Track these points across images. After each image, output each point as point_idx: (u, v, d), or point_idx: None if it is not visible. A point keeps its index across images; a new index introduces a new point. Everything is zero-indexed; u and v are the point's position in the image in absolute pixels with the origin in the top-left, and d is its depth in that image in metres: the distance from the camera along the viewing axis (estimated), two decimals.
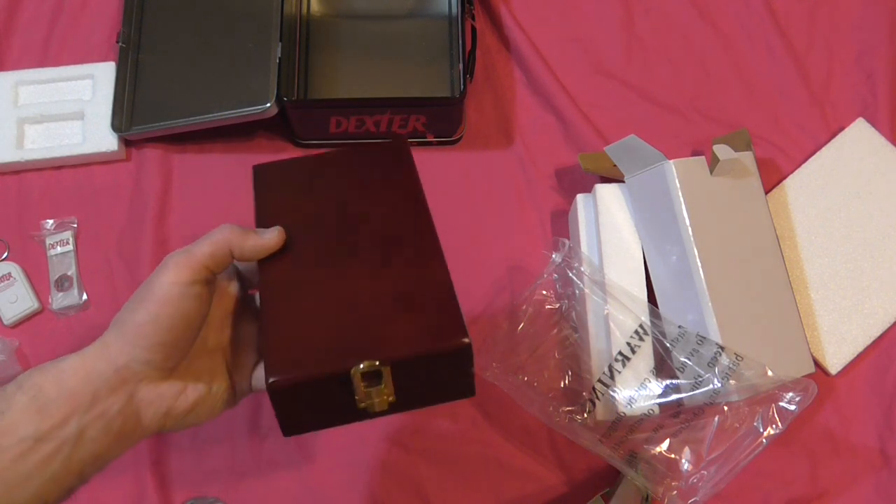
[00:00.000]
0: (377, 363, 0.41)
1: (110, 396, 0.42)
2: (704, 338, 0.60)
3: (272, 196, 0.51)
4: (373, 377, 0.42)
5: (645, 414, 0.61)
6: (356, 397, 0.42)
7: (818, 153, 0.74)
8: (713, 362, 0.59)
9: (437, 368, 0.43)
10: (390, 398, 0.43)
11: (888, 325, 0.69)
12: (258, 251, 0.46)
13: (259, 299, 0.46)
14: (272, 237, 0.47)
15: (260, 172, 0.53)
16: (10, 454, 0.39)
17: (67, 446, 0.40)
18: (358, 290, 0.45)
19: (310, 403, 0.43)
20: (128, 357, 0.42)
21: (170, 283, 0.42)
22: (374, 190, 0.51)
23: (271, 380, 0.41)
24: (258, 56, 0.75)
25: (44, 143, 0.75)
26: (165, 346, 0.43)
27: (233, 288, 0.49)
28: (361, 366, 0.41)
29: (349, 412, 0.43)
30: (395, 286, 0.45)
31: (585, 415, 0.62)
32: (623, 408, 0.61)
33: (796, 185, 0.73)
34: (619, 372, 0.61)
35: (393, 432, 0.67)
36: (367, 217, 0.49)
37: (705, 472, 0.59)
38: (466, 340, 0.42)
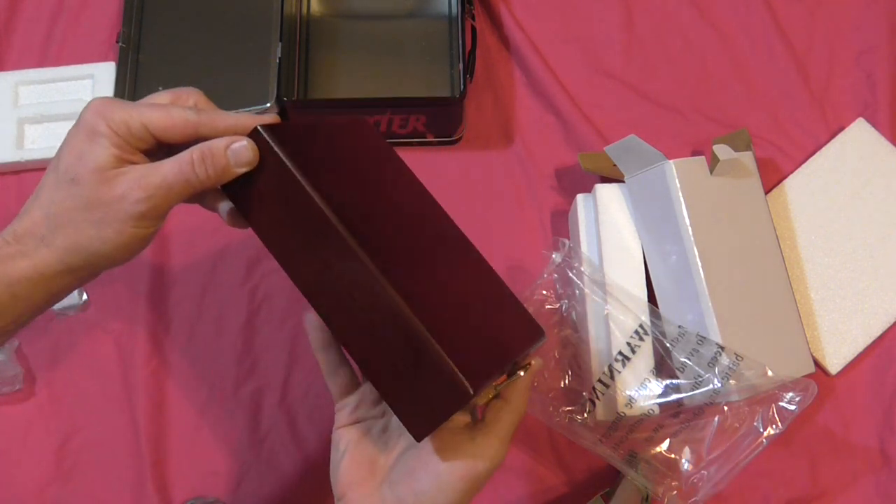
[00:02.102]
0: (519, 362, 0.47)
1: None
2: (704, 338, 0.60)
3: (304, 161, 0.44)
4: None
5: (645, 414, 0.61)
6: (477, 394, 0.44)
7: (818, 153, 0.74)
8: (713, 362, 0.59)
9: None
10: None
11: (888, 325, 0.69)
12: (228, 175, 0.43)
13: (390, 296, 0.42)
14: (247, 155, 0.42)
15: (275, 133, 0.44)
16: None
17: None
18: (456, 291, 0.47)
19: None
20: (75, 271, 0.43)
21: (132, 236, 0.42)
22: (388, 176, 0.51)
23: (472, 390, 0.40)
24: (258, 56, 0.75)
25: (44, 143, 0.75)
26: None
27: None
28: (522, 372, 0.47)
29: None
30: (476, 289, 0.48)
31: (585, 415, 0.62)
32: (623, 408, 0.61)
33: (796, 185, 0.73)
34: (619, 372, 0.61)
35: None
36: (408, 211, 0.50)
37: (705, 472, 0.59)
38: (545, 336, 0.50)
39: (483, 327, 0.46)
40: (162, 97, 0.45)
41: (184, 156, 0.42)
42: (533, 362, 0.48)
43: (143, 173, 0.41)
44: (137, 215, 0.41)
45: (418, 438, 0.42)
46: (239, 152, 0.42)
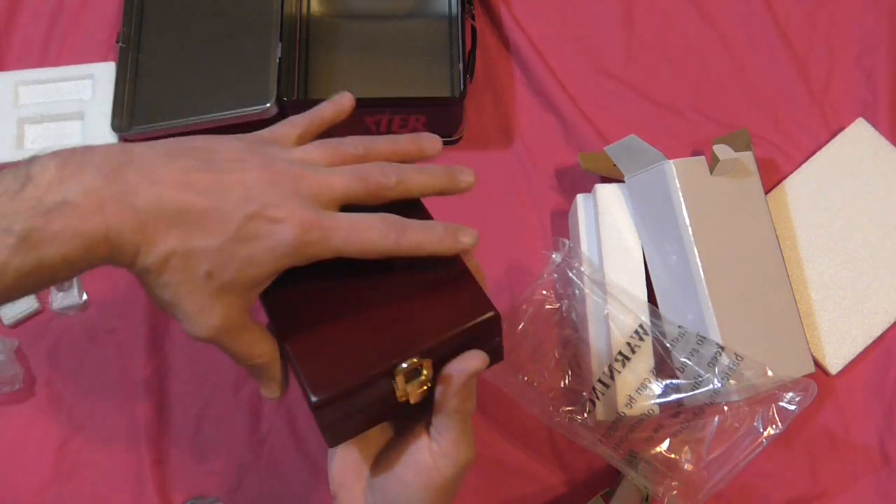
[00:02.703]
0: (417, 360, 0.41)
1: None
2: (704, 338, 0.60)
3: None
4: (413, 372, 0.42)
5: (645, 414, 0.61)
6: (397, 393, 0.42)
7: (818, 153, 0.74)
8: (713, 362, 0.59)
9: (468, 345, 0.43)
10: (427, 386, 0.43)
11: (888, 324, 0.69)
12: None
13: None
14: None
15: None
16: None
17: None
18: (373, 293, 0.44)
19: (352, 411, 0.43)
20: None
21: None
22: None
23: (315, 399, 0.40)
24: (258, 56, 0.75)
25: (44, 143, 0.75)
26: None
27: None
28: (404, 364, 0.41)
29: (389, 408, 0.44)
30: (411, 281, 0.44)
31: (585, 415, 0.62)
32: (623, 408, 0.61)
33: (796, 185, 0.73)
34: (619, 372, 0.61)
35: None
36: None
37: (705, 472, 0.59)
38: (493, 312, 0.42)
39: (382, 326, 0.43)
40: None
41: (270, 370, 0.44)
42: (459, 363, 0.42)
43: (236, 334, 0.42)
44: (192, 336, 0.41)
45: (329, 446, 0.44)
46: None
